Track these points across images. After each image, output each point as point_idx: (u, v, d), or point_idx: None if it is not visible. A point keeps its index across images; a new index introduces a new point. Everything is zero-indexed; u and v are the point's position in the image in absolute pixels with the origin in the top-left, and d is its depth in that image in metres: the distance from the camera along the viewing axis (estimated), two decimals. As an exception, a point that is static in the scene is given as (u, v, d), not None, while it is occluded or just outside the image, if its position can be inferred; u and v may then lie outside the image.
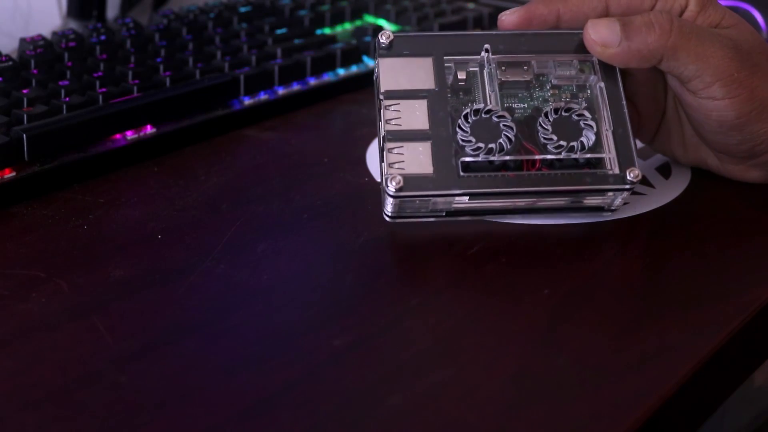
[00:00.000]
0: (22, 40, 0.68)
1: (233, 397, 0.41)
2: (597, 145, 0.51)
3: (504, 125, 0.50)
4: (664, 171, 0.60)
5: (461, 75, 0.53)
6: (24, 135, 0.56)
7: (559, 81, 0.53)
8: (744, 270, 0.51)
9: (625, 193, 0.52)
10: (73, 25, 0.82)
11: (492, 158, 0.50)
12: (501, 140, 0.50)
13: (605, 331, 0.46)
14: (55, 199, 0.56)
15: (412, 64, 0.53)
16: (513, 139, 0.50)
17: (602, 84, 0.52)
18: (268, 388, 0.41)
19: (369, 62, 0.75)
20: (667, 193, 0.58)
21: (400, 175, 0.49)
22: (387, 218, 0.52)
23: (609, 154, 0.51)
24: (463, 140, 0.50)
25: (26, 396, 0.41)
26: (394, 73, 0.52)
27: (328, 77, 0.72)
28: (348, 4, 0.81)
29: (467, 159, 0.50)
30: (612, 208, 0.53)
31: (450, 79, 0.53)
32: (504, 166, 0.51)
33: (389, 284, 0.50)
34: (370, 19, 0.82)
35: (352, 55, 0.74)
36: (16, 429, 0.39)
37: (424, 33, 0.53)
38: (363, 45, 0.75)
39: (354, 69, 0.74)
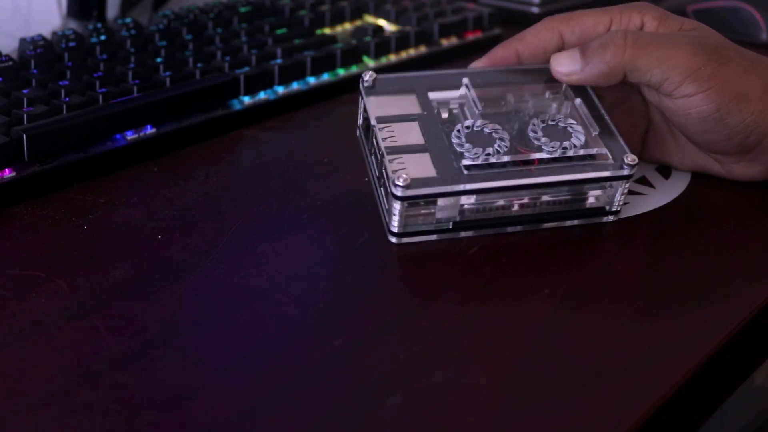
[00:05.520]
0: (22, 40, 0.68)
1: (233, 397, 0.41)
2: (588, 145, 0.53)
3: (496, 134, 0.52)
4: (664, 171, 0.60)
5: (444, 114, 0.55)
6: (24, 135, 0.56)
7: (536, 111, 0.55)
8: (744, 270, 0.51)
9: (626, 186, 0.52)
10: (73, 25, 0.82)
11: (492, 160, 0.51)
12: (497, 145, 0.51)
13: (605, 331, 0.46)
14: (55, 199, 0.56)
15: (398, 100, 0.55)
16: (508, 144, 0.52)
17: (578, 100, 0.55)
18: (268, 388, 0.41)
19: (369, 62, 0.75)
20: (667, 193, 0.58)
21: (406, 174, 0.49)
22: (393, 238, 0.52)
23: (602, 150, 0.52)
24: (460, 148, 0.51)
25: (26, 396, 0.41)
26: (381, 105, 0.54)
27: (328, 77, 0.72)
28: (348, 4, 0.81)
29: (468, 162, 0.51)
30: (613, 209, 0.54)
31: (435, 114, 0.55)
32: (503, 168, 0.51)
33: (389, 284, 0.50)
34: (370, 19, 0.82)
35: (352, 55, 0.73)
36: (16, 429, 0.39)
37: (405, 74, 0.57)
38: (363, 45, 0.75)
39: (354, 69, 0.74)
